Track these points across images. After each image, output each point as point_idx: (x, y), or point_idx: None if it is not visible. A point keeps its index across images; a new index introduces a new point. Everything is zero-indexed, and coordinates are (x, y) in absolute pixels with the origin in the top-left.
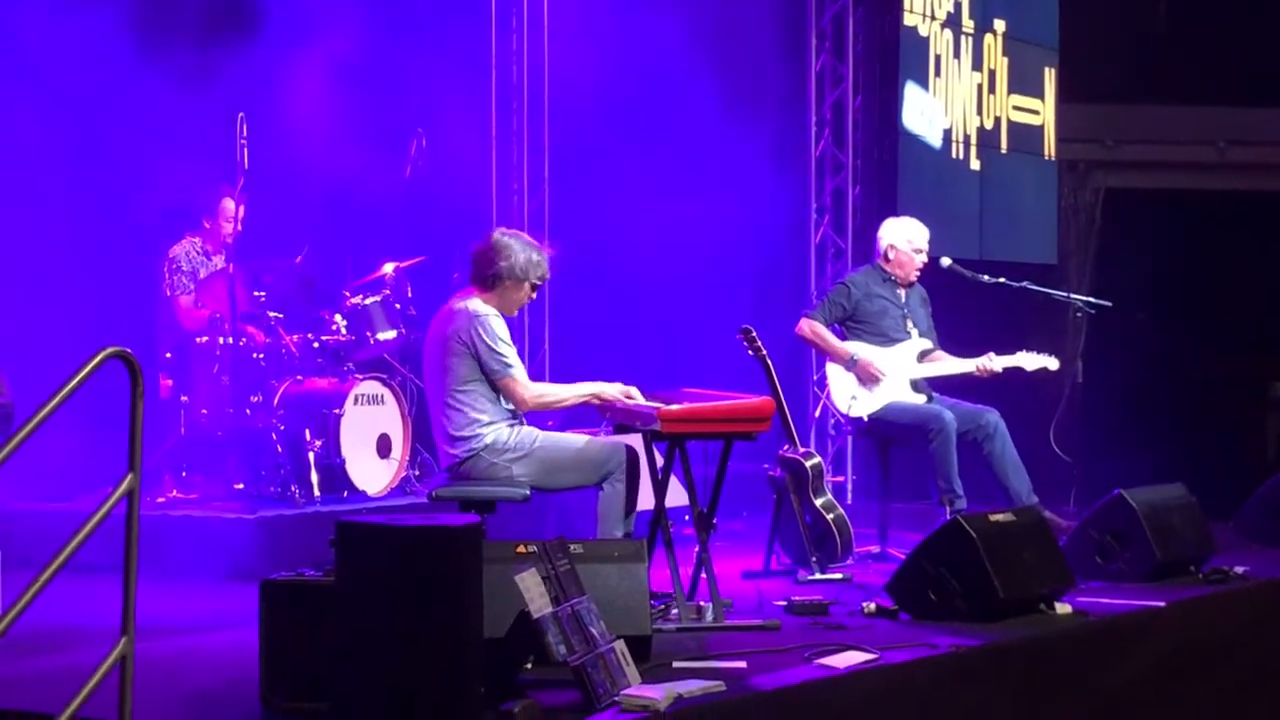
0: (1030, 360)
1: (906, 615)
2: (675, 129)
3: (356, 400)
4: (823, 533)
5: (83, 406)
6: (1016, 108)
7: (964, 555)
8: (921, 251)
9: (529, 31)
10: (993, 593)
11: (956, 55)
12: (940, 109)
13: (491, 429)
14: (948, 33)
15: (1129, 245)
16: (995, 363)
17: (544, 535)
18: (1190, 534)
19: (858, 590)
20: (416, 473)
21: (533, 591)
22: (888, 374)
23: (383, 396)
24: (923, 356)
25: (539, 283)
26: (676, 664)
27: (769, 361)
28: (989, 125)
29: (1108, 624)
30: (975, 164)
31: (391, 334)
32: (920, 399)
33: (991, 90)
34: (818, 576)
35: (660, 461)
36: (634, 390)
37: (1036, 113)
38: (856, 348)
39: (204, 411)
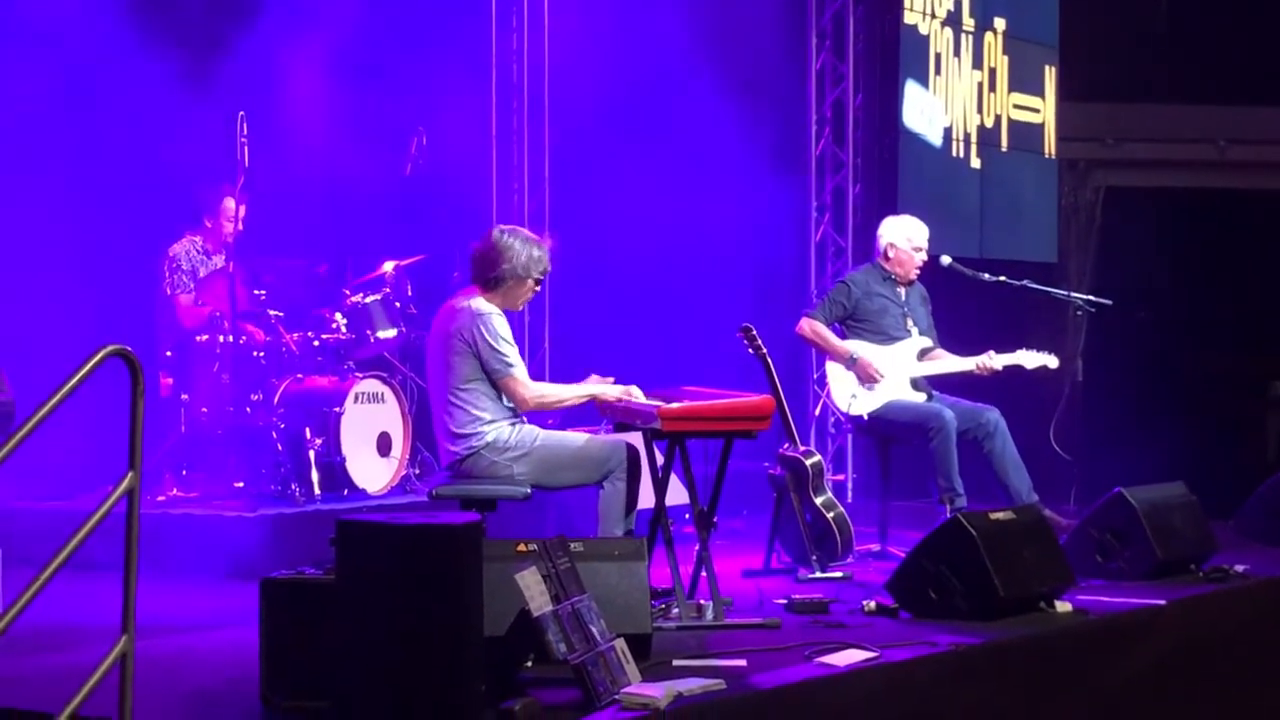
0: (1030, 358)
1: (907, 613)
2: (675, 128)
3: (357, 398)
4: (823, 531)
5: (83, 405)
6: (1017, 106)
7: (964, 553)
8: (921, 250)
9: (529, 30)
10: (993, 591)
11: (957, 54)
12: (940, 107)
13: (493, 427)
14: (948, 31)
15: (1129, 244)
16: (995, 361)
17: (544, 533)
18: (1191, 532)
19: (858, 588)
20: (417, 471)
21: (533, 590)
22: (888, 372)
23: (383, 395)
24: (923, 355)
25: (541, 277)
26: (677, 662)
27: (769, 360)
28: (989, 123)
29: (1108, 622)
30: (975, 162)
31: (392, 332)
32: (920, 397)
33: (992, 88)
34: (818, 575)
35: (661, 460)
36: (634, 389)
37: (1037, 111)
38: (856, 346)
39: (204, 410)
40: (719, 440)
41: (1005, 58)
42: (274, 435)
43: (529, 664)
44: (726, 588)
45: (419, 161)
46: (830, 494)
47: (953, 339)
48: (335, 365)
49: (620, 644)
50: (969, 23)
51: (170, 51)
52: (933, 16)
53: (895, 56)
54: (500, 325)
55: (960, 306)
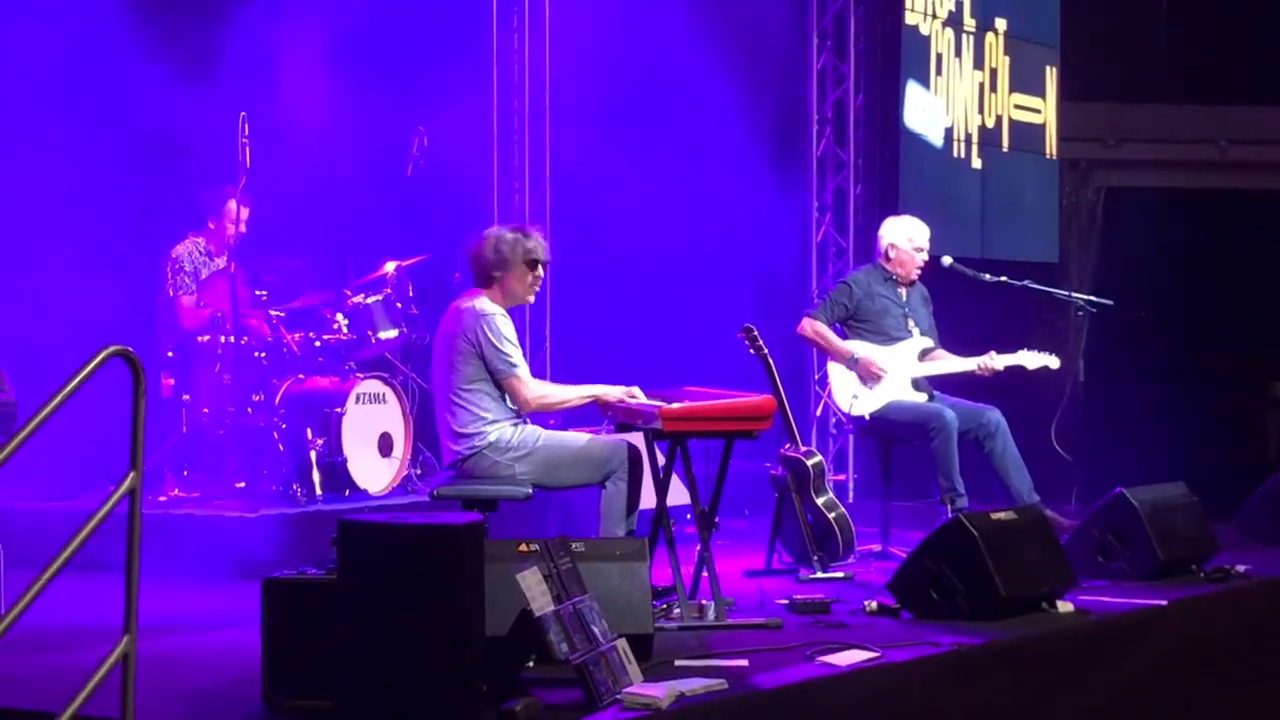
0: (1031, 359)
1: (908, 614)
2: (676, 128)
3: (358, 399)
4: (824, 531)
5: (85, 405)
6: (1018, 106)
7: (966, 554)
8: (922, 250)
9: (530, 30)
10: (994, 591)
11: (958, 54)
12: (941, 108)
13: (495, 427)
14: (949, 31)
15: (1130, 244)
16: (996, 361)
17: (546, 533)
18: (1192, 533)
19: (859, 589)
20: (418, 471)
21: (535, 590)
22: (889, 373)
23: (384, 395)
24: (924, 355)
25: (536, 264)
26: (678, 662)
27: (770, 360)
28: (990, 124)
29: (1109, 623)
30: (976, 162)
31: (393, 333)
32: (922, 398)
33: (993, 89)
34: (819, 575)
35: (662, 460)
36: (636, 390)
37: (1038, 111)
38: (858, 347)
39: (206, 410)
40: (720, 440)
41: (1006, 58)
42: (275, 436)
43: (531, 664)
44: (728, 588)
45: (420, 162)
46: (831, 494)
47: (954, 339)
48: (336, 366)
49: (622, 644)
50: (970, 23)
51: (172, 53)
52: (934, 17)
53: (896, 57)
54: (504, 326)
55: (961, 307)
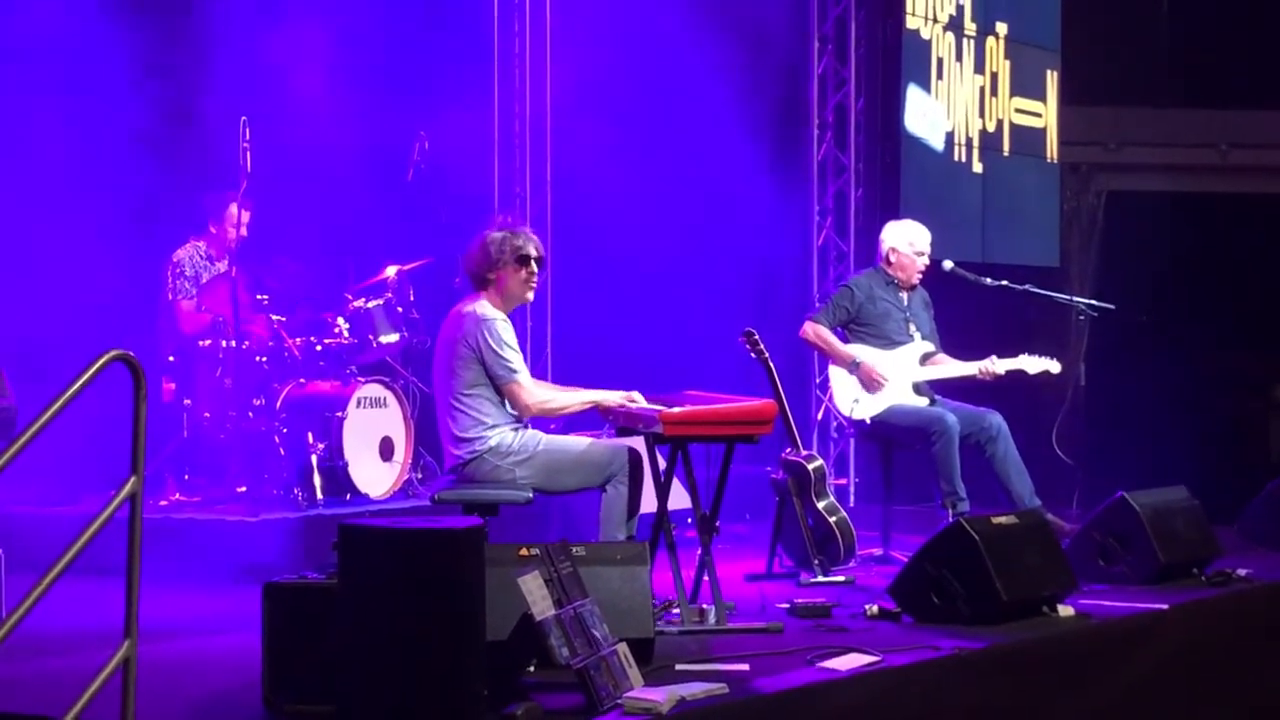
0: (1032, 363)
1: (909, 618)
2: (677, 132)
3: (359, 403)
4: (825, 535)
5: (86, 410)
6: (1019, 110)
7: (967, 557)
8: (923, 254)
9: (531, 34)
10: (995, 595)
11: (958, 58)
12: (942, 112)
13: (496, 432)
14: (950, 35)
15: (1131, 248)
16: (997, 365)
17: (547, 538)
18: (1193, 536)
19: (860, 593)
20: (419, 475)
21: (535, 594)
22: (890, 377)
23: (385, 399)
24: (925, 359)
25: (527, 259)
26: (679, 666)
27: (771, 364)
28: (991, 128)
29: (1110, 627)
30: (977, 166)
31: (394, 337)
32: (923, 402)
33: (994, 93)
34: (820, 579)
35: (663, 464)
36: (636, 395)
37: (1039, 115)
38: (859, 350)
39: (206, 414)
40: (721, 444)
41: (1007, 62)
42: (276, 440)
43: (531, 668)
44: (729, 592)
45: (421, 165)
46: (832, 498)
47: (955, 343)
48: (337, 370)
49: (623, 648)
50: (971, 27)
51: (173, 56)
52: (934, 21)
53: (897, 61)
54: (504, 331)
55: (962, 311)
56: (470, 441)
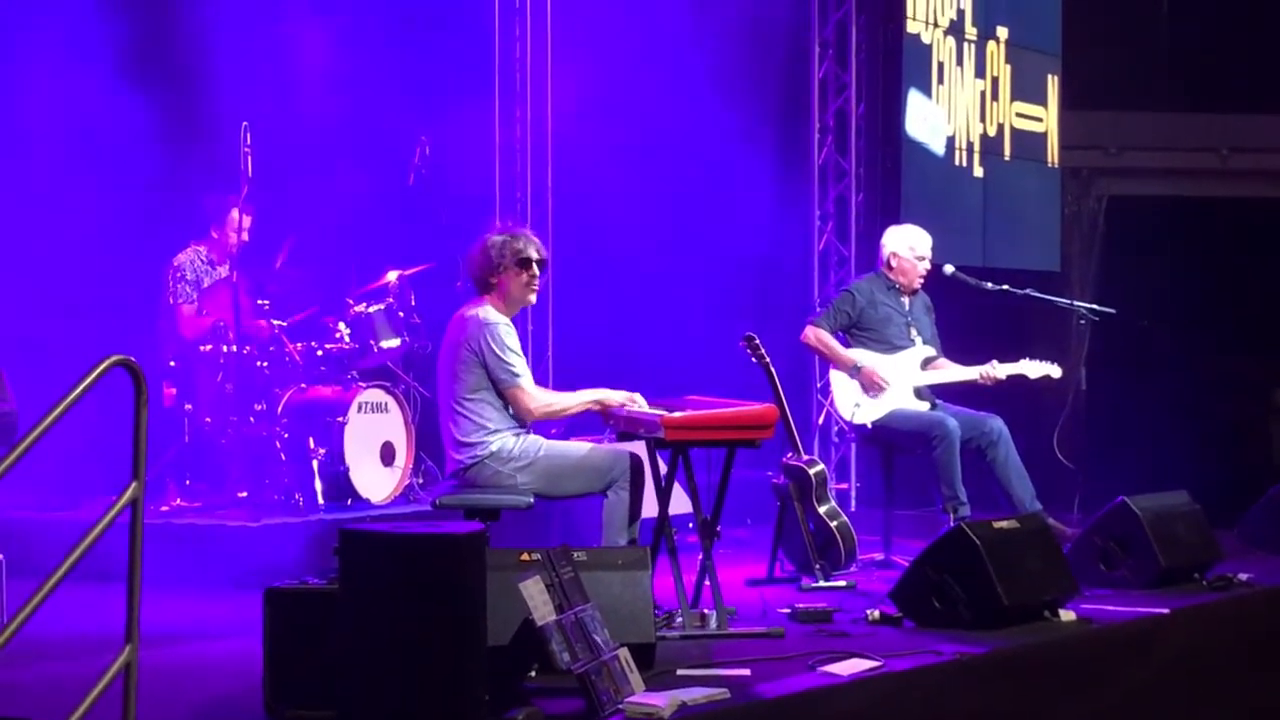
0: (1033, 368)
1: (910, 622)
2: (679, 137)
3: (360, 408)
4: (826, 540)
5: (87, 415)
6: (1019, 114)
7: (968, 562)
8: (924, 259)
9: (532, 39)
10: (997, 600)
11: (959, 62)
12: (943, 116)
13: (497, 437)
14: (950, 40)
15: (1132, 252)
16: (999, 370)
17: (548, 543)
18: (1194, 541)
19: (861, 597)
20: (420, 480)
21: (537, 599)
22: (891, 381)
23: (386, 404)
24: (926, 364)
25: (528, 262)
26: (680, 671)
27: (772, 369)
28: (992, 132)
29: (1112, 631)
30: (978, 171)
31: (395, 342)
32: (924, 406)
33: (994, 97)
34: (821, 584)
35: (664, 469)
36: (638, 396)
37: (1039, 119)
38: (860, 355)
39: (208, 419)
40: (722, 449)
41: (1008, 66)
42: (277, 445)
43: (533, 673)
44: (730, 597)
45: (423, 170)
46: (834, 503)
47: (956, 348)
48: (339, 375)
49: (624, 653)
50: (971, 32)
51: (173, 60)
52: (935, 25)
53: (898, 65)
54: (507, 335)
55: (963, 316)
56: (472, 446)
